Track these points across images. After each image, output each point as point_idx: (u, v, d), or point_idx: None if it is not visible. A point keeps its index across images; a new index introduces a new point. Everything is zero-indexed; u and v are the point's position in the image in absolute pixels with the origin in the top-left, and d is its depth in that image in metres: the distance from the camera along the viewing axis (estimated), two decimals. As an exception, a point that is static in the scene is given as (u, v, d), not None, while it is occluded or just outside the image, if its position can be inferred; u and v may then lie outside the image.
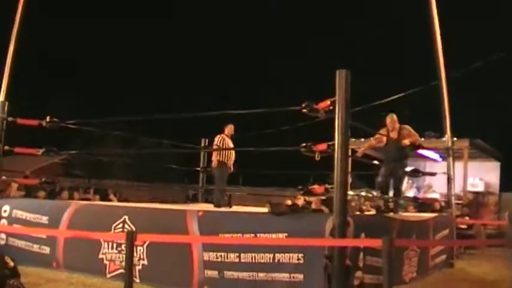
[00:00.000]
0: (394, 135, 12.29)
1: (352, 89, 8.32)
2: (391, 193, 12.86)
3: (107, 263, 9.87)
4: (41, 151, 11.55)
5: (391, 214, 11.60)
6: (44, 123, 11.35)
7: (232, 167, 14.21)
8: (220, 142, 13.93)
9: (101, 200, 17.72)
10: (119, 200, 18.76)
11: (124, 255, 9.22)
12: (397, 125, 12.38)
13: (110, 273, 9.80)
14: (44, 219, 10.98)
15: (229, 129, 14.14)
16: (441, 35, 14.37)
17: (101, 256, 9.94)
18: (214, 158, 14.01)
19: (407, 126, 12.53)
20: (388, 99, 16.93)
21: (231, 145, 14.10)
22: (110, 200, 18.20)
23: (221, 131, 14.12)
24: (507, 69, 30.38)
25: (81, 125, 13.04)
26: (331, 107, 8.49)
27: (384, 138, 12.38)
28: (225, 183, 14.15)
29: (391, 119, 12.42)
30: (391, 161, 12.32)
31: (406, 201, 14.01)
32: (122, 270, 9.46)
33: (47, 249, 10.69)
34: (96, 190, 20.37)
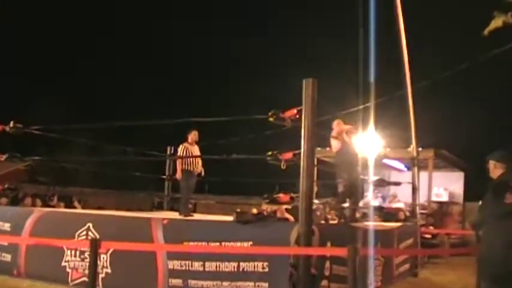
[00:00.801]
0: (347, 139, 12.17)
1: (319, 98, 8.34)
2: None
3: (70, 270, 9.76)
4: (4, 157, 11.40)
5: (357, 223, 11.64)
6: (7, 129, 11.21)
7: (202, 172, 13.79)
8: (182, 152, 13.57)
9: (66, 207, 17.55)
10: (84, 208, 18.60)
11: (87, 263, 9.14)
12: (345, 130, 12.27)
13: (72, 281, 9.70)
14: (6, 226, 10.84)
15: (193, 136, 13.61)
16: (407, 45, 14.48)
17: (63, 264, 9.83)
18: (179, 167, 13.52)
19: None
20: (355, 108, 17.02)
21: (196, 152, 13.68)
22: (74, 207, 18.05)
23: (185, 139, 13.69)
24: (471, 79, 30.72)
25: (45, 131, 12.88)
26: (297, 116, 8.49)
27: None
28: (190, 192, 13.76)
29: (338, 123, 12.32)
30: (350, 167, 12.13)
31: (370, 210, 14.07)
32: (84, 278, 9.37)
33: (8, 257, 10.54)
34: (61, 197, 20.14)
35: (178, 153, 13.69)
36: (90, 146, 30.92)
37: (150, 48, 56.01)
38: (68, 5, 50.99)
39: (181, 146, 13.66)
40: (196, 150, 13.78)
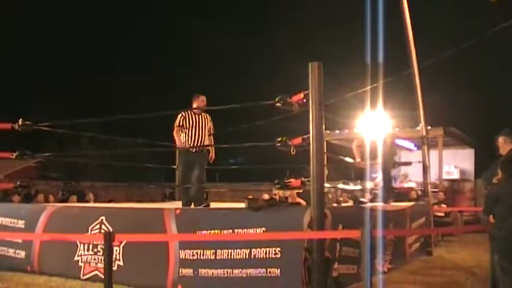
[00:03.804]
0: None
1: (325, 81, 8.31)
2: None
3: (82, 265, 9.77)
4: (14, 155, 11.42)
5: (368, 204, 11.67)
6: (16, 127, 11.22)
7: (211, 155, 11.62)
8: (181, 121, 11.28)
9: (79, 201, 17.62)
10: (96, 201, 18.65)
11: (100, 257, 9.21)
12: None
13: (84, 275, 9.71)
14: (20, 223, 10.89)
15: (201, 101, 11.37)
16: (412, 23, 14.42)
17: (76, 258, 9.85)
18: (177, 139, 11.41)
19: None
20: (362, 90, 16.98)
21: (203, 123, 11.40)
22: (87, 201, 18.12)
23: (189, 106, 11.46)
24: (478, 56, 30.64)
25: (54, 127, 12.90)
26: (305, 100, 8.46)
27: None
28: (191, 174, 11.32)
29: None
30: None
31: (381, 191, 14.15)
32: (96, 272, 9.46)
33: (22, 254, 10.61)
34: (73, 192, 20.23)
35: (176, 122, 11.35)
36: (100, 139, 31.06)
37: (156, 39, 56.10)
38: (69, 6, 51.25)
39: (181, 113, 11.37)
40: (203, 121, 11.45)
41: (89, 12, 54.45)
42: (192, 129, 11.19)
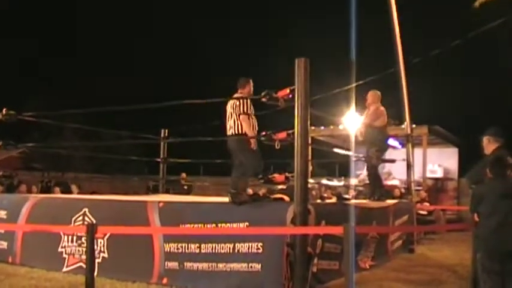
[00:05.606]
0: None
1: (311, 76, 8.31)
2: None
3: (66, 256, 9.75)
4: (-3, 144, 11.33)
5: (352, 201, 11.69)
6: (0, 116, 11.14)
7: None
8: (247, 106, 9.30)
9: (63, 192, 17.54)
10: (79, 193, 18.57)
11: (84, 249, 9.15)
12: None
13: (68, 266, 9.69)
14: (3, 213, 10.86)
15: (251, 86, 9.69)
16: (399, 21, 14.43)
17: (60, 250, 9.81)
18: (248, 130, 9.26)
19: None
20: (348, 87, 17.02)
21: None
22: (71, 192, 18.05)
23: (235, 91, 9.72)
24: (463, 55, 30.78)
25: (38, 118, 12.82)
26: (290, 96, 8.47)
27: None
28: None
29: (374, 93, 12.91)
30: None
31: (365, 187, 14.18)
32: (80, 264, 9.38)
33: (4, 244, 10.57)
34: (56, 183, 20.13)
35: (243, 109, 9.29)
36: (84, 131, 30.93)
37: (137, 37, 56.01)
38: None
39: (246, 98, 9.44)
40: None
41: (72, 7, 54.16)
42: (254, 116, 9.50)
